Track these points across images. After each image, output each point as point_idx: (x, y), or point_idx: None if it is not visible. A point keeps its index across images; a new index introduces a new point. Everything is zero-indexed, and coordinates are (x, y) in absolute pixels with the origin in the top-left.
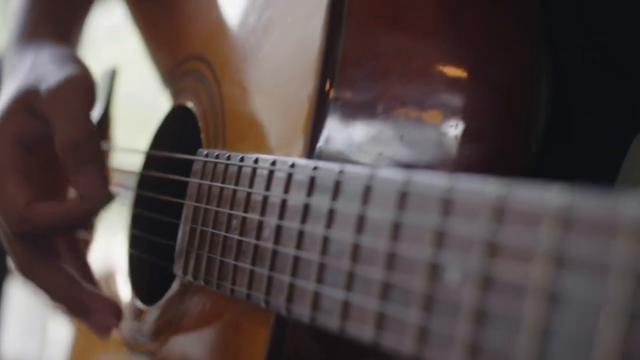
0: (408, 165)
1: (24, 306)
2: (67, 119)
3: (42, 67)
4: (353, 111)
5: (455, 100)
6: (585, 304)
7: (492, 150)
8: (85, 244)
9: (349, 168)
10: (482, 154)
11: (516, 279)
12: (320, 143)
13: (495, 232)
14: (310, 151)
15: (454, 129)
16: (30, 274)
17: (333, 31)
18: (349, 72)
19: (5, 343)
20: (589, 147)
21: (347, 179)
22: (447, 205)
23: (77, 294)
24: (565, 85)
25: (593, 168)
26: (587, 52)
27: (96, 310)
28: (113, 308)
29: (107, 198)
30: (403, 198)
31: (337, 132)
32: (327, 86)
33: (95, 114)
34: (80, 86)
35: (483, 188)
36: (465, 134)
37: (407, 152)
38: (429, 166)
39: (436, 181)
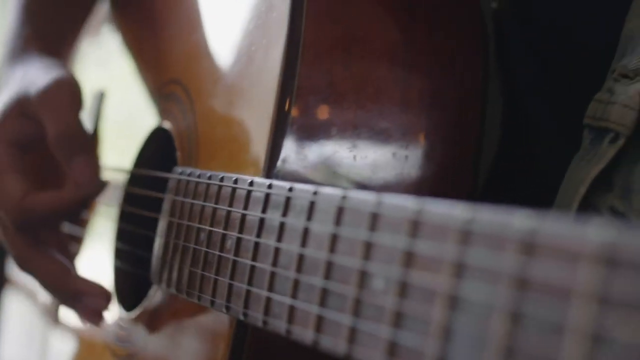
0: (361, 184)
1: (23, 317)
2: (56, 115)
3: (32, 75)
4: (309, 133)
5: (406, 122)
6: (480, 308)
7: (441, 170)
8: (75, 245)
9: (298, 188)
10: (431, 174)
11: (428, 285)
12: (279, 163)
13: (411, 245)
14: (270, 170)
15: (404, 149)
16: (27, 265)
17: (291, 61)
18: (306, 98)
19: (4, 353)
20: (538, 170)
21: (295, 195)
22: (374, 219)
23: (69, 281)
24: (517, 109)
25: (542, 190)
26: (538, 76)
27: (87, 293)
28: (102, 292)
29: (100, 184)
30: (340, 213)
31: (293, 153)
32: (286, 110)
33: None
34: (67, 86)
35: (404, 202)
36: (415, 154)
37: (359, 171)
38: (382, 185)
39: (368, 197)
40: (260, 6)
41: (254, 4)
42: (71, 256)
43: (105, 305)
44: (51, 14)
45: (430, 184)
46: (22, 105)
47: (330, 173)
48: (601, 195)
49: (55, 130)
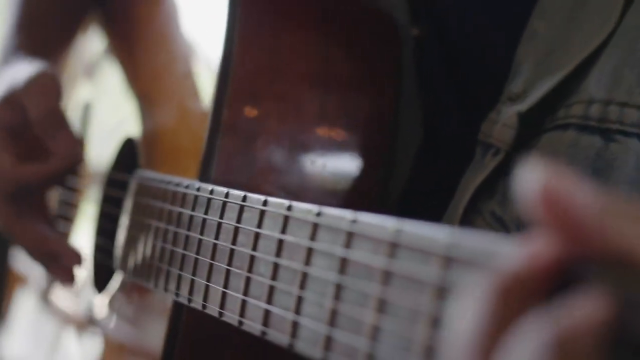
0: (284, 189)
1: (31, 315)
2: (38, 100)
3: (18, 73)
4: (238, 145)
5: (322, 135)
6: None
7: (354, 182)
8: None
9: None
10: (344, 185)
11: (361, 289)
12: (213, 170)
13: (346, 253)
14: (203, 176)
15: (321, 158)
16: (11, 231)
17: (221, 95)
18: (236, 115)
19: (9, 349)
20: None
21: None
22: (315, 228)
23: (46, 244)
24: (437, 130)
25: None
26: (455, 98)
27: (61, 254)
28: (75, 254)
29: (80, 154)
30: (286, 222)
31: (224, 163)
32: (218, 126)
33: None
34: (49, 77)
35: (341, 214)
36: (329, 165)
37: (280, 178)
38: (302, 190)
39: (310, 208)
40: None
41: (198, 31)
42: (54, 226)
43: (76, 263)
44: (40, 28)
45: (342, 193)
46: (8, 96)
47: (254, 184)
48: (484, 202)
49: (37, 112)
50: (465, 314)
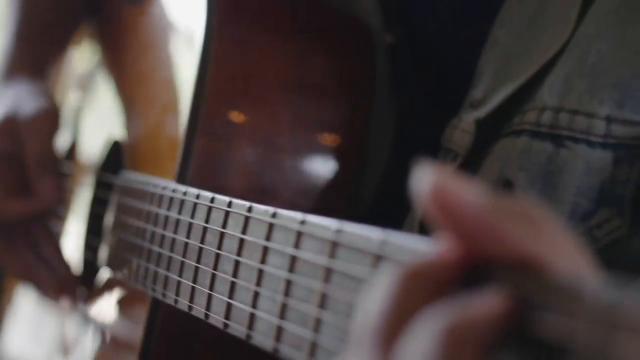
0: (259, 190)
1: (32, 311)
2: (37, 139)
3: (20, 100)
4: (214, 148)
5: (296, 138)
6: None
7: (327, 183)
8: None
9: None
10: (317, 186)
11: (307, 285)
12: (189, 172)
13: (296, 253)
14: (180, 178)
15: (294, 160)
16: (1, 258)
17: (198, 100)
18: (212, 119)
19: (11, 343)
20: None
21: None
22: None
23: (31, 272)
24: (411, 132)
25: None
26: (427, 101)
27: (43, 282)
28: (56, 280)
29: (57, 202)
30: (246, 222)
31: (200, 165)
32: (195, 130)
33: (65, 141)
34: (49, 115)
35: (294, 215)
36: (303, 168)
37: (254, 180)
38: (272, 192)
39: (266, 209)
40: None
41: (177, 39)
42: (56, 248)
43: (57, 289)
44: (39, 38)
45: (315, 195)
46: (9, 124)
47: (232, 181)
48: None
49: (33, 151)
50: (371, 303)
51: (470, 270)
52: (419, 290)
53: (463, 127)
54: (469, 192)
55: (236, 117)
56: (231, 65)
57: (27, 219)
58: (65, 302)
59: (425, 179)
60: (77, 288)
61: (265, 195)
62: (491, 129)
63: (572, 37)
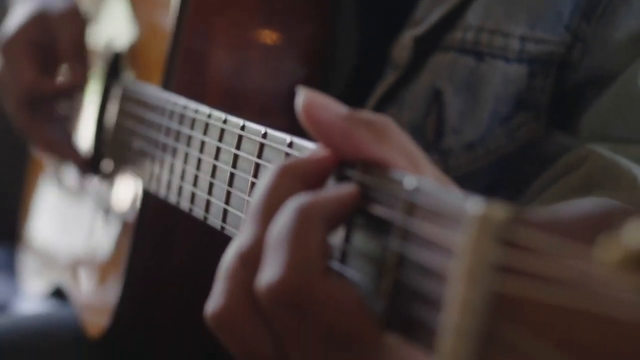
0: (233, 95)
1: (55, 200)
2: (68, 31)
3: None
4: (194, 59)
5: (266, 52)
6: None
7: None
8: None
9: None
10: (282, 95)
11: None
12: (173, 80)
13: (238, 153)
14: (166, 85)
15: (265, 72)
16: (28, 129)
17: (179, 24)
18: (192, 35)
19: (36, 232)
20: None
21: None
22: (261, 147)
23: (53, 145)
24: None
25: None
26: (386, 19)
27: (64, 155)
28: (75, 154)
29: (84, 86)
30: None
31: (182, 74)
32: (178, 43)
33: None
34: (77, 12)
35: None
36: (272, 76)
37: (230, 86)
38: (244, 97)
39: (237, 121)
40: None
41: None
42: (62, 129)
43: (76, 162)
44: None
45: (284, 98)
46: (40, 18)
47: (211, 86)
48: (387, 108)
49: (65, 40)
50: (258, 190)
51: (338, 173)
52: (290, 181)
53: (403, 43)
54: (330, 108)
55: (213, 34)
56: None
57: (56, 98)
58: (81, 182)
59: (300, 100)
60: (88, 169)
61: (238, 99)
62: (427, 46)
63: None
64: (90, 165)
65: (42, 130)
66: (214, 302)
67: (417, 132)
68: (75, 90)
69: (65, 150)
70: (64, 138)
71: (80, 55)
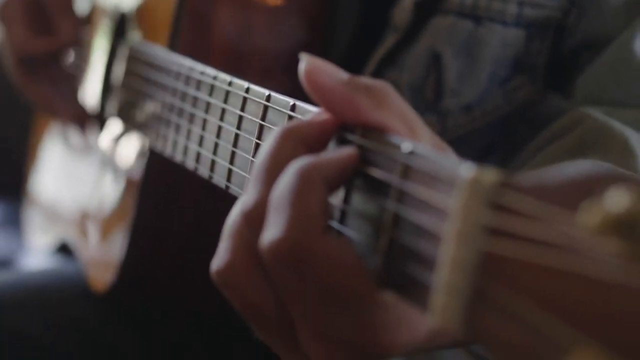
0: (237, 56)
1: (61, 155)
2: None
3: None
4: (198, 21)
5: (268, 16)
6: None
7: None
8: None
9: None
10: (285, 55)
11: None
12: (179, 40)
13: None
14: (172, 45)
15: (268, 32)
16: (26, 88)
17: None
18: (195, 8)
19: (41, 186)
20: None
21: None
22: (265, 109)
23: (51, 101)
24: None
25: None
26: None
27: (61, 111)
28: (72, 112)
29: (78, 38)
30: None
31: (187, 35)
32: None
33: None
34: None
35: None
36: (274, 37)
37: (234, 47)
38: (248, 58)
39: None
40: None
41: None
42: (60, 86)
43: (73, 119)
44: None
45: (287, 58)
46: None
47: (215, 47)
48: (387, 70)
49: None
50: (262, 152)
51: (339, 136)
52: (293, 143)
53: (404, 6)
54: (331, 74)
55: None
56: None
57: (48, 56)
58: (84, 137)
59: (303, 66)
60: (92, 124)
61: (243, 60)
62: (427, 9)
63: None
64: (94, 123)
65: (41, 91)
66: (219, 259)
67: (417, 94)
68: (65, 48)
69: (64, 111)
70: (66, 98)
71: (67, 12)
